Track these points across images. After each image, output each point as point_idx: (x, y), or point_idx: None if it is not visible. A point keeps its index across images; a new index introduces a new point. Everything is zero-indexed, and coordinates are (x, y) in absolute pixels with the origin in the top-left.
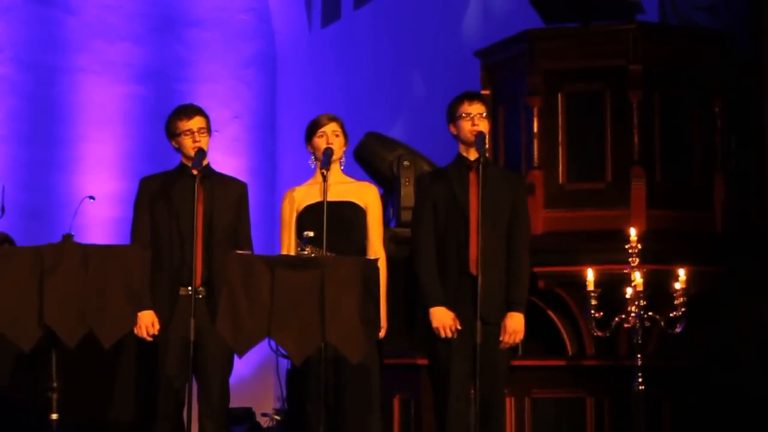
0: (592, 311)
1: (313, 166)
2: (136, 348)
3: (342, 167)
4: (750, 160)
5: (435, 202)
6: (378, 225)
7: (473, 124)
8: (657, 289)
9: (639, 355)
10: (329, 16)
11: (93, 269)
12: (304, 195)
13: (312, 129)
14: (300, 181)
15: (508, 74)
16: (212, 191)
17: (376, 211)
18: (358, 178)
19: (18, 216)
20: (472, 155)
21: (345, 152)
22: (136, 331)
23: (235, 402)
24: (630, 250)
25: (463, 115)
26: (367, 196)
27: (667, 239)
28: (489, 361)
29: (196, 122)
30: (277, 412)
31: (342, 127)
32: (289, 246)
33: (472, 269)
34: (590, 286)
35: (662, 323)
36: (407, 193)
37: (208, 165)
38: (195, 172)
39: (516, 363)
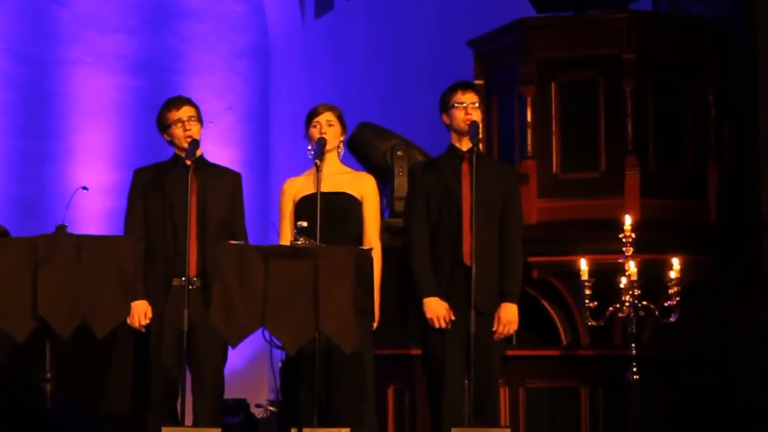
0: (587, 301)
1: (311, 156)
2: (131, 339)
3: (340, 157)
4: (743, 149)
5: (427, 193)
6: (374, 216)
7: (466, 114)
8: (651, 279)
9: (633, 345)
10: (322, 6)
11: (86, 260)
12: (302, 185)
13: (308, 119)
14: (292, 171)
15: (501, 64)
16: (206, 182)
17: (373, 202)
18: (358, 168)
19: (11, 207)
20: (465, 145)
21: (343, 142)
22: (129, 321)
23: (229, 393)
24: (624, 240)
25: (456, 104)
26: (363, 186)
27: (660, 228)
28: (483, 352)
29: (185, 111)
30: (271, 402)
31: (338, 116)
32: (287, 237)
33: (466, 260)
34: (584, 276)
35: (656, 312)
36: (401, 183)
37: (201, 156)
38: (189, 162)
39: (510, 353)
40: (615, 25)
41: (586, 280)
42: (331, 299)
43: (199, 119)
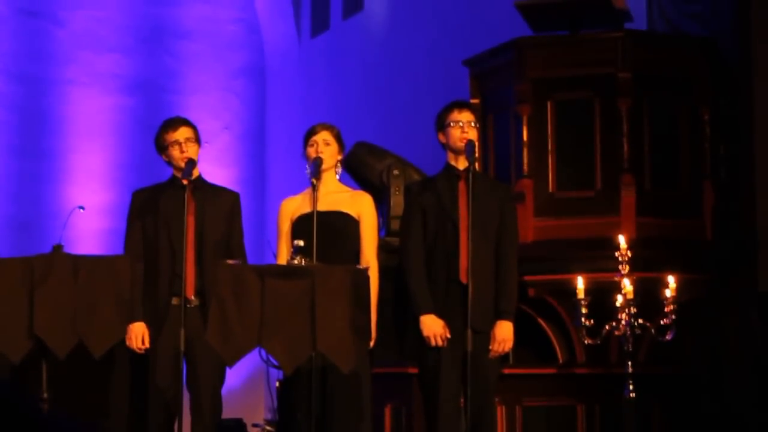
0: (583, 319)
1: (308, 175)
2: (129, 358)
3: (338, 176)
4: (738, 167)
5: (424, 212)
6: (370, 234)
7: (462, 132)
8: (647, 297)
9: (629, 363)
10: (318, 26)
11: (83, 280)
12: (299, 205)
13: (305, 138)
14: (289, 191)
15: (497, 83)
16: (203, 202)
17: (370, 221)
18: (355, 187)
19: (7, 227)
20: (461, 164)
21: (340, 161)
22: (127, 343)
23: (226, 413)
24: (620, 258)
25: (452, 123)
26: (360, 205)
27: (656, 247)
28: (479, 370)
29: (183, 132)
30: (268, 422)
31: (335, 135)
32: (285, 257)
33: (462, 278)
34: (580, 294)
35: (652, 331)
36: (397, 202)
37: (199, 176)
38: (185, 182)
39: (507, 371)
40: (610, 44)
41: (582, 299)
42: (328, 319)
43: (197, 140)
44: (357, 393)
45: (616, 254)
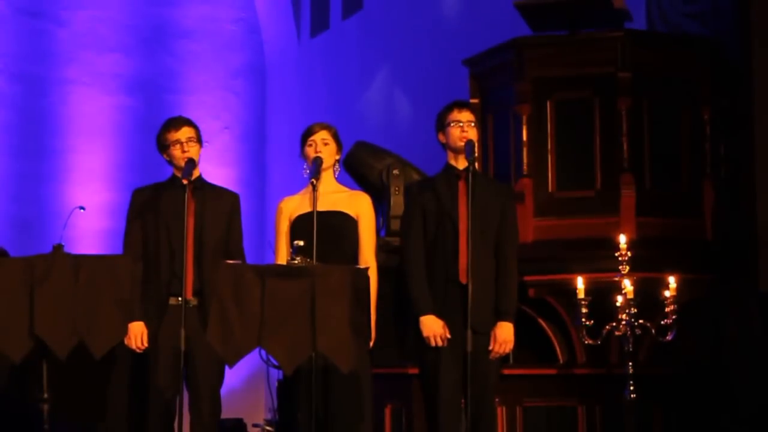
0: (583, 319)
1: (306, 175)
2: (129, 358)
3: (336, 175)
4: (739, 167)
5: (424, 211)
6: (369, 234)
7: (462, 132)
8: (647, 297)
9: (630, 363)
10: (318, 26)
11: (83, 280)
12: (297, 204)
13: (303, 138)
14: (289, 190)
15: (496, 82)
16: (204, 202)
17: (368, 221)
18: (353, 187)
19: (8, 227)
20: (461, 164)
21: (338, 161)
22: (126, 342)
23: (226, 413)
24: (620, 258)
25: (452, 122)
26: (359, 205)
27: (656, 247)
28: (479, 370)
29: (184, 132)
30: (269, 422)
31: (333, 135)
32: (284, 256)
33: (462, 278)
34: (580, 295)
35: (653, 331)
36: (397, 202)
37: (200, 176)
38: (185, 182)
39: (507, 372)
40: (610, 43)
41: (583, 299)
42: (328, 318)
43: (199, 140)
44: (357, 393)
45: (616, 254)
